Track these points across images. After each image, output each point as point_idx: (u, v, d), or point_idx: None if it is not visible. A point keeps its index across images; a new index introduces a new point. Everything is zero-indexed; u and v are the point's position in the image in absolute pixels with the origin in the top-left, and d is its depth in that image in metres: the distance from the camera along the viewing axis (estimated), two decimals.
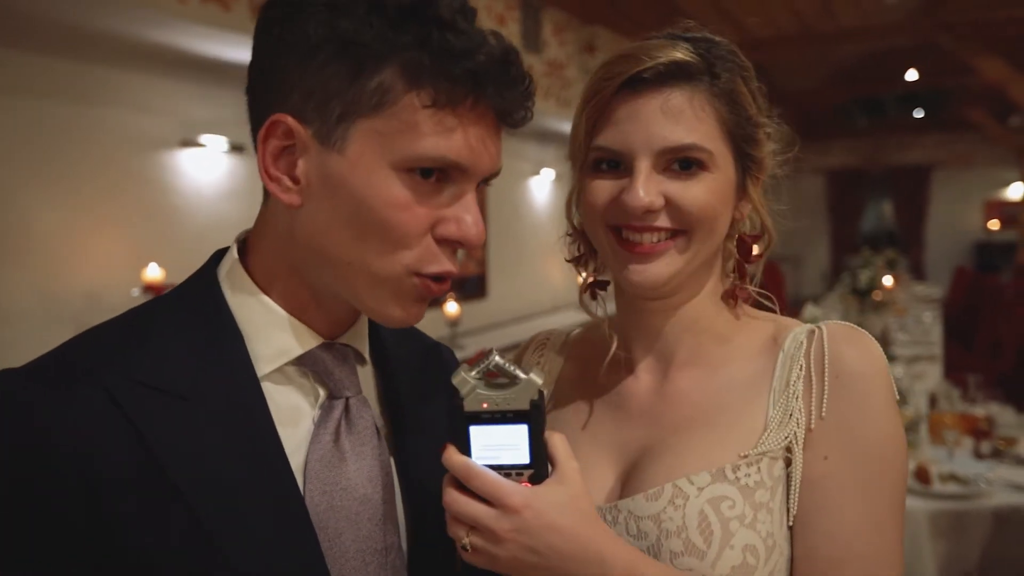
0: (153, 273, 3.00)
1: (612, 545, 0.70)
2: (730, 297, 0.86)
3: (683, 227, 0.79)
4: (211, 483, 0.65)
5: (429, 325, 0.83)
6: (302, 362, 0.73)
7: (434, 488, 0.72)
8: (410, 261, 0.68)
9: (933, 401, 3.02)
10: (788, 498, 0.76)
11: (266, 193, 0.72)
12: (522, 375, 0.69)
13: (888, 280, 6.60)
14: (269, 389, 0.71)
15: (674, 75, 0.78)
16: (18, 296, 2.88)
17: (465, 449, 0.70)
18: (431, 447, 0.73)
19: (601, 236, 0.82)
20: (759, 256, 0.88)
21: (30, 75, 2.91)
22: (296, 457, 0.70)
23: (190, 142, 3.41)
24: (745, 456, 0.77)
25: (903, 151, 12.64)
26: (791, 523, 0.76)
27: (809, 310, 3.24)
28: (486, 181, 0.72)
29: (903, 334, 5.35)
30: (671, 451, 0.80)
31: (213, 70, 3.38)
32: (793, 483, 0.76)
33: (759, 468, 0.76)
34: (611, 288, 0.91)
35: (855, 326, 0.82)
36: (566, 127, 0.90)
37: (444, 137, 0.65)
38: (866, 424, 0.76)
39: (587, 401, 0.89)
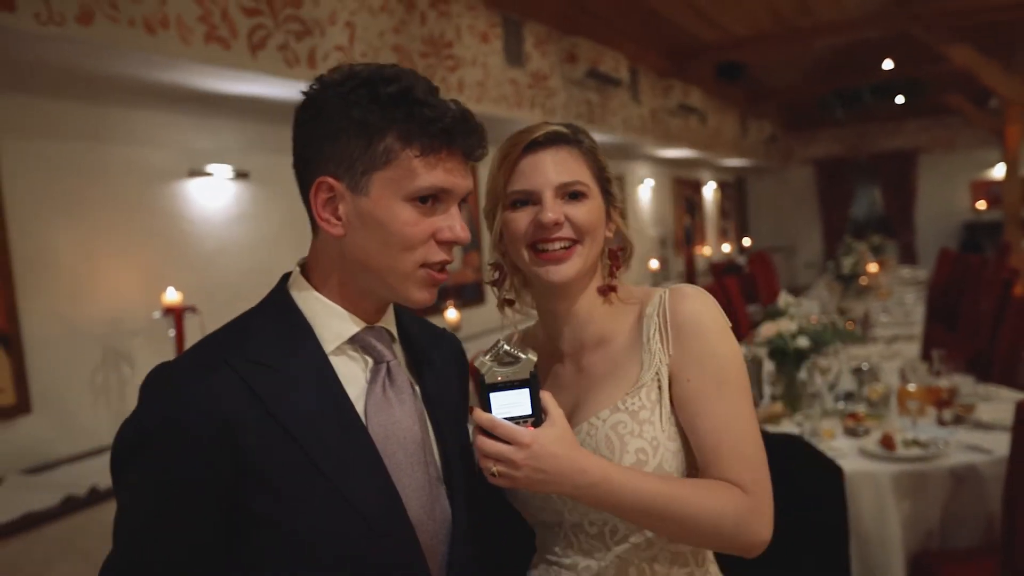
0: (172, 297, 3.22)
1: (589, 459, 1.03)
2: (605, 291, 1.22)
3: (578, 236, 1.15)
4: (307, 423, 0.95)
5: None
6: (353, 340, 1.04)
7: (449, 423, 1.09)
8: (421, 258, 1.00)
9: (903, 376, 3.24)
10: (661, 412, 1.12)
11: (315, 230, 1.05)
12: (522, 355, 1.02)
13: (873, 266, 6.82)
14: (333, 360, 1.02)
15: (556, 140, 1.16)
16: (43, 324, 3.09)
17: (487, 409, 1.02)
18: (444, 397, 1.12)
19: (523, 253, 1.16)
20: (624, 263, 1.23)
21: (48, 119, 3.13)
22: (358, 404, 1.01)
23: (197, 172, 3.63)
24: (628, 392, 1.14)
25: (886, 138, 12.86)
26: (675, 427, 1.12)
27: (783, 297, 3.46)
28: (464, 200, 1.04)
29: (885, 316, 5.56)
30: (587, 403, 1.17)
31: (215, 103, 3.60)
32: (664, 400, 1.12)
33: (639, 397, 1.13)
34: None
35: (691, 285, 1.18)
36: None
37: (431, 174, 0.97)
38: (707, 350, 1.12)
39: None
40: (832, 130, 13.17)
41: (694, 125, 9.04)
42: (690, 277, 10.59)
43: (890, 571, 2.44)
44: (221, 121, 3.78)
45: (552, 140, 1.16)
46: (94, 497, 2.77)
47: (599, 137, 7.09)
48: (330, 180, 0.98)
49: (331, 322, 1.03)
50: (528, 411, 1.02)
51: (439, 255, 1.01)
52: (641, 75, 7.58)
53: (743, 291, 7.24)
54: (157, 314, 3.22)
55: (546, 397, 1.04)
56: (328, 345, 1.02)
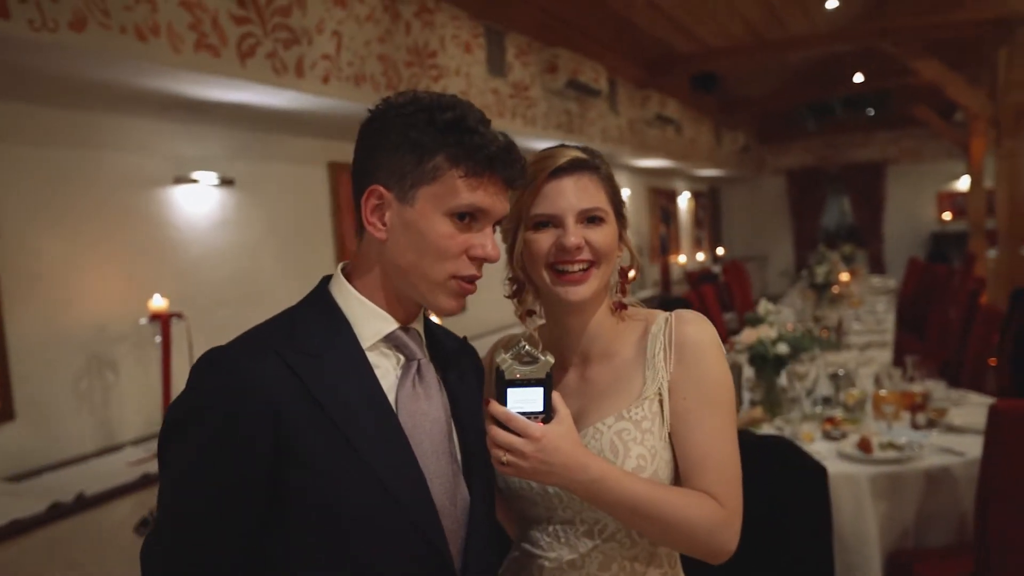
0: (158, 303, 3.22)
1: (591, 458, 1.12)
2: (616, 308, 1.30)
3: (596, 259, 1.23)
4: (345, 408, 1.03)
5: None
6: (388, 339, 1.12)
7: (469, 419, 1.17)
8: (452, 270, 1.08)
9: (878, 381, 3.33)
10: (663, 424, 1.21)
11: (360, 235, 1.13)
12: (541, 357, 1.10)
13: (845, 274, 6.97)
14: (369, 356, 1.10)
15: (578, 166, 1.24)
16: (28, 330, 3.08)
17: (503, 402, 1.09)
18: (466, 398, 1.20)
19: (543, 272, 1.24)
20: (632, 279, 1.32)
21: (34, 125, 3.13)
22: (390, 396, 1.09)
23: (183, 178, 3.64)
24: (633, 403, 1.23)
25: (855, 149, 13.13)
26: (668, 439, 1.21)
27: (763, 305, 3.54)
28: (499, 222, 1.13)
29: (858, 324, 5.69)
30: (592, 410, 1.26)
31: (202, 110, 3.61)
32: (665, 414, 1.21)
33: (643, 408, 1.22)
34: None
35: (695, 312, 1.27)
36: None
37: (472, 194, 1.07)
38: (704, 375, 1.21)
39: None
40: (804, 141, 13.43)
41: (670, 135, 9.18)
42: (665, 286, 10.71)
43: (868, 569, 2.52)
44: (207, 128, 3.79)
45: (575, 167, 1.24)
46: (80, 504, 2.77)
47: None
48: (381, 189, 1.07)
49: (369, 320, 1.11)
50: (540, 408, 1.10)
51: (469, 269, 1.09)
52: (619, 86, 7.69)
53: (719, 299, 7.36)
54: (143, 320, 3.22)
55: (556, 397, 1.12)
56: (365, 341, 1.10)
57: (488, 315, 6.74)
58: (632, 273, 1.32)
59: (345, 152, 4.69)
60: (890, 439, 2.76)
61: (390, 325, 1.11)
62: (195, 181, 3.66)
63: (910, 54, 7.69)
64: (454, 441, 1.15)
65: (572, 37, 6.51)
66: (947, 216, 12.89)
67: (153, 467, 2.97)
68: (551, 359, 1.11)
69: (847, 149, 13.15)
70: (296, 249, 4.30)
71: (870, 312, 6.30)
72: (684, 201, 12.42)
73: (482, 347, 1.39)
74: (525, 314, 1.34)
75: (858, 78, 9.97)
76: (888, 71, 9.34)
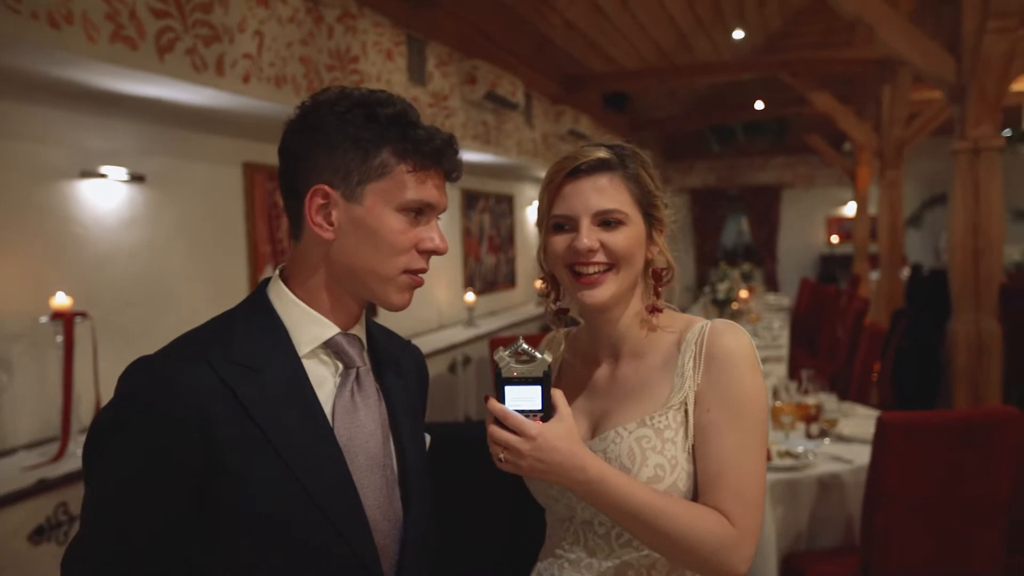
0: (61, 301, 3.08)
1: (590, 458, 1.09)
2: (648, 311, 1.27)
3: (612, 261, 1.21)
4: (278, 422, 1.02)
5: None
6: (327, 345, 1.10)
7: (409, 431, 1.16)
8: (404, 264, 1.08)
9: (776, 393, 3.54)
10: (686, 435, 1.18)
11: (298, 237, 1.11)
12: (538, 355, 1.10)
13: (744, 291, 7.32)
14: (305, 363, 1.08)
15: (598, 167, 1.22)
16: None
17: (501, 400, 1.09)
18: (406, 405, 1.19)
19: (562, 273, 1.24)
20: (667, 283, 1.29)
21: None
22: (326, 406, 1.08)
23: (90, 172, 3.49)
24: (657, 411, 1.19)
25: (754, 172, 13.81)
26: (691, 451, 1.17)
27: None
28: (440, 214, 1.13)
29: (756, 339, 5.97)
30: (616, 412, 1.23)
31: (115, 103, 3.47)
32: (689, 425, 1.18)
33: (666, 416, 1.19)
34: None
35: (731, 321, 1.24)
36: None
37: (421, 188, 1.07)
38: (731, 386, 1.17)
39: (573, 381, 1.33)
40: (708, 162, 14.01)
41: None
42: None
43: (766, 571, 2.67)
44: (119, 122, 3.65)
45: (595, 167, 1.21)
46: None
47: (493, 159, 7.22)
48: (326, 188, 1.05)
49: (307, 326, 1.09)
50: (538, 406, 1.09)
51: (420, 263, 1.10)
52: (535, 100, 7.83)
53: None
54: (45, 319, 3.07)
55: (557, 396, 1.11)
56: (302, 348, 1.08)
57: (428, 310, 6.73)
58: (668, 276, 1.28)
59: (261, 153, 4.61)
60: (787, 448, 2.94)
61: (329, 331, 1.09)
62: (103, 176, 3.52)
63: (806, 86, 8.19)
64: (391, 453, 1.14)
65: (492, 50, 6.60)
66: (835, 239, 13.71)
67: (50, 472, 2.84)
68: (548, 357, 1.10)
69: (747, 172, 13.82)
70: (207, 250, 4.19)
71: (767, 328, 6.64)
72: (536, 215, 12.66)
73: (424, 346, 1.39)
74: (553, 314, 1.32)
75: (759, 105, 10.51)
76: (786, 101, 9.90)
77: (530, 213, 9.46)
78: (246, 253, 4.48)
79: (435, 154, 1.07)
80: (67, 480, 2.83)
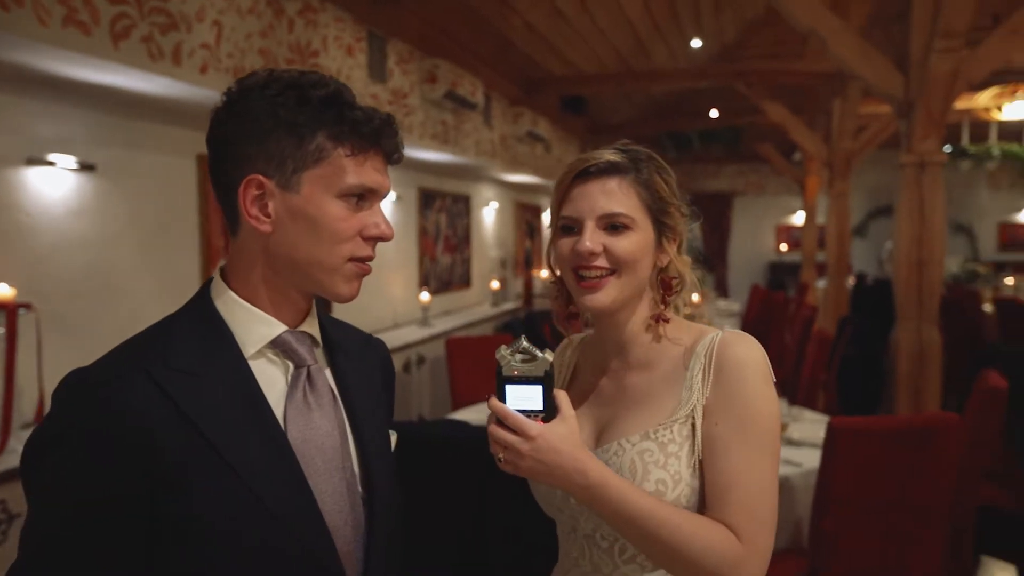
0: (4, 291, 2.97)
1: (591, 461, 1.06)
2: (655, 320, 1.23)
3: (615, 266, 1.18)
4: (224, 427, 0.95)
5: None
6: (275, 344, 1.04)
7: (370, 430, 1.10)
8: (348, 252, 1.02)
9: None
10: (692, 449, 1.13)
11: (235, 231, 1.04)
12: (540, 354, 1.07)
13: (697, 296, 7.43)
14: (254, 365, 1.02)
15: (608, 170, 1.19)
16: None
17: (502, 399, 1.07)
18: (366, 403, 1.12)
19: (568, 276, 1.21)
20: (676, 293, 1.25)
21: None
22: (277, 409, 1.02)
23: (37, 160, 3.37)
24: (662, 423, 1.15)
25: (708, 179, 14.05)
26: (697, 466, 1.13)
27: None
28: (382, 199, 1.07)
29: None
30: (621, 422, 1.20)
31: (64, 89, 3.37)
32: (697, 439, 1.13)
33: (671, 430, 1.14)
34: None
35: (746, 334, 1.18)
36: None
37: (361, 172, 1.01)
38: (740, 396, 1.12)
39: (582, 388, 1.30)
40: None
41: (539, 152, 9.44)
42: (528, 298, 10.97)
43: None
44: (69, 109, 3.53)
45: (604, 170, 1.19)
46: None
47: (451, 158, 7.19)
48: (260, 178, 0.99)
49: (252, 326, 1.03)
50: (539, 407, 1.06)
51: (365, 250, 1.04)
52: (494, 101, 7.84)
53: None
54: None
55: (561, 397, 1.08)
56: (248, 349, 1.02)
57: (382, 308, 6.66)
58: (677, 283, 1.23)
59: None
60: None
61: (276, 329, 1.03)
62: (51, 164, 3.41)
63: (760, 96, 8.36)
64: (350, 455, 1.07)
65: (453, 50, 6.59)
66: (784, 247, 14.02)
67: None
68: (549, 357, 1.07)
69: (701, 178, 14.06)
70: (158, 242, 4.08)
71: None
72: (548, 217, 12.75)
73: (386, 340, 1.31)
74: (564, 319, 1.30)
75: (714, 113, 10.69)
76: (741, 110, 10.09)
77: (486, 214, 9.47)
78: (199, 247, 4.38)
79: (374, 135, 1.01)
80: (6, 477, 2.73)
